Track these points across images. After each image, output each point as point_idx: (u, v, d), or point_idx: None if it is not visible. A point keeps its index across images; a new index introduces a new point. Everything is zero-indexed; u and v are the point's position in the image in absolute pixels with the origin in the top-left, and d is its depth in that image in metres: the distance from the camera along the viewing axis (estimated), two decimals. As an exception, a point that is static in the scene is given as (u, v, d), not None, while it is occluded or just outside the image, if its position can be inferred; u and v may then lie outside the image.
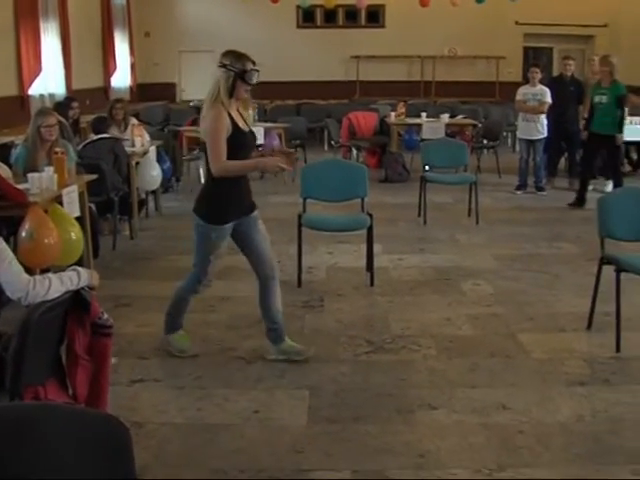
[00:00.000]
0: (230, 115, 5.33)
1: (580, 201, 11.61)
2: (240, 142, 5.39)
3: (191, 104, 20.02)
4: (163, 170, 10.54)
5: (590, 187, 12.19)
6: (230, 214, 5.57)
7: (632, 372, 5.66)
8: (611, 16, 22.78)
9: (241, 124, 5.44)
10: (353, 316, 6.70)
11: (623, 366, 5.74)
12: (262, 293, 5.84)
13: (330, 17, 22.52)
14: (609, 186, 12.44)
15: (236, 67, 5.31)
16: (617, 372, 5.63)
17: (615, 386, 5.39)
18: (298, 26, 22.63)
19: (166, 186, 11.77)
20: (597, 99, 11.51)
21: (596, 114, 11.53)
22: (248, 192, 5.77)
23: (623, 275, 5.95)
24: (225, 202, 5.54)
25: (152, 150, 10.28)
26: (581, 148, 13.19)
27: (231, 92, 5.32)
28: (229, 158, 5.30)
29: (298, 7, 21.48)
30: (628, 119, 13.86)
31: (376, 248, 7.96)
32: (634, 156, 15.44)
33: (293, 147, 14.24)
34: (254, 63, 5.42)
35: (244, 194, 5.71)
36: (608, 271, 6.04)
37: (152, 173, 10.14)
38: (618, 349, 5.96)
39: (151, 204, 10.97)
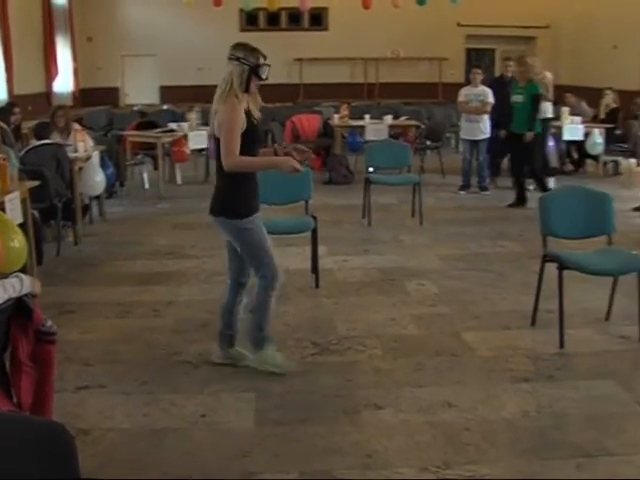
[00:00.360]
0: (245, 109, 5.25)
1: (520, 201, 11.73)
2: (253, 137, 5.30)
3: (135, 108, 19.95)
4: (107, 175, 10.45)
5: (531, 187, 12.33)
6: (253, 205, 5.48)
7: (575, 368, 5.74)
8: (552, 18, 23.08)
9: (253, 119, 5.36)
10: (299, 318, 6.71)
11: (566, 362, 5.82)
12: (231, 296, 5.76)
13: (273, 20, 22.56)
14: (550, 183, 12.61)
15: (250, 61, 5.29)
16: (561, 368, 5.70)
17: (559, 382, 5.47)
18: (241, 29, 22.63)
19: (110, 191, 11.68)
20: (514, 99, 11.66)
21: (514, 114, 11.68)
22: (257, 187, 5.61)
23: (565, 272, 6.02)
24: (246, 194, 5.45)
25: (95, 155, 10.20)
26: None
27: (246, 86, 5.28)
28: (242, 153, 5.20)
29: (241, 10, 21.48)
30: (569, 119, 14.07)
31: (321, 250, 7.98)
32: (575, 155, 15.63)
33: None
34: (265, 57, 5.38)
35: (257, 189, 5.58)
36: (551, 269, 6.11)
37: (96, 178, 10.06)
38: (562, 345, 6.04)
39: (95, 210, 10.88)
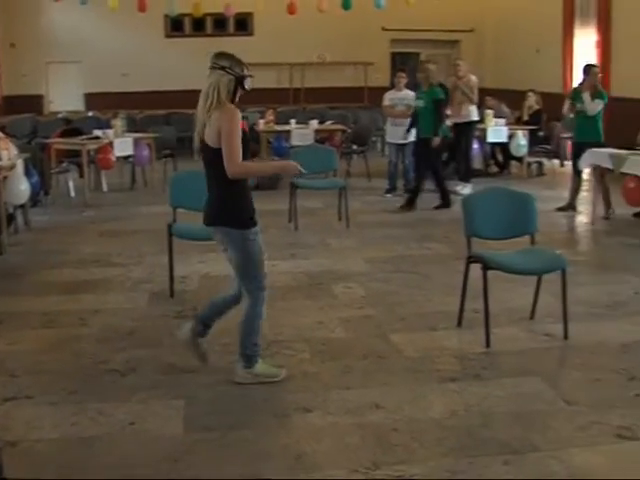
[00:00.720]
0: None
1: (445, 202, 11.84)
2: (245, 144, 5.25)
3: (59, 115, 19.74)
4: (31, 184, 10.34)
5: (459, 187, 12.46)
6: (253, 215, 5.46)
7: (501, 366, 5.83)
8: (476, 22, 23.35)
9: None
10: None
11: (493, 361, 5.90)
12: (228, 300, 5.77)
13: (198, 26, 22.47)
14: (466, 189, 12.75)
15: (235, 71, 5.23)
16: (487, 367, 5.78)
17: (486, 380, 5.54)
18: (167, 35, 22.51)
19: (34, 200, 11.55)
20: (417, 103, 11.88)
21: (418, 119, 11.81)
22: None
23: (490, 273, 6.11)
24: (249, 203, 5.46)
25: (19, 164, 10.08)
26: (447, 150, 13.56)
27: (233, 96, 5.24)
28: (222, 163, 5.18)
29: (166, 16, 21.34)
30: (493, 121, 14.24)
31: (248, 255, 7.96)
32: (500, 157, 15.84)
33: (163, 157, 14.19)
34: (248, 68, 5.33)
35: (251, 197, 5.52)
36: (476, 269, 6.19)
37: (20, 187, 9.95)
38: (488, 344, 6.12)
39: (20, 219, 10.74)
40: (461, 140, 13.60)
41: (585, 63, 11.92)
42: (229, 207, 5.38)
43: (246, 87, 5.29)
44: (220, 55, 5.35)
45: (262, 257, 5.52)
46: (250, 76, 5.31)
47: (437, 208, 11.82)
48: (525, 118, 15.72)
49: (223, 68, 5.23)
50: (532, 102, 15.78)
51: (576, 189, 11.54)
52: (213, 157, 5.24)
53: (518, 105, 16.20)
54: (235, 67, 5.24)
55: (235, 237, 5.39)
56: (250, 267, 5.47)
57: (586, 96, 11.04)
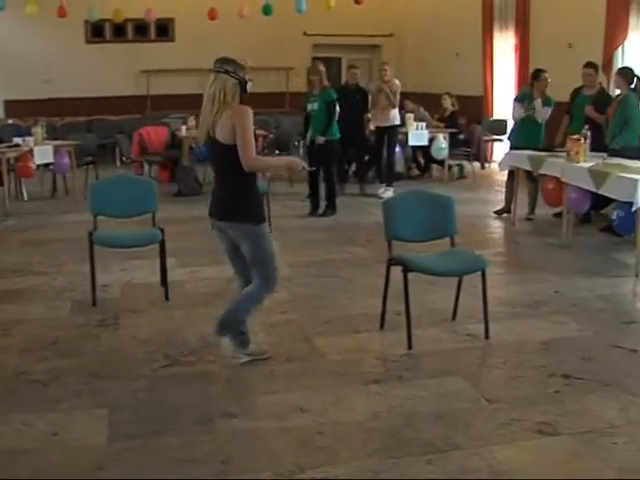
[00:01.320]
0: None
1: (332, 208, 11.97)
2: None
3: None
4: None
5: (380, 191, 12.55)
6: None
7: (423, 367, 5.91)
8: (397, 26, 23.50)
9: None
10: (149, 331, 6.67)
11: (415, 362, 5.97)
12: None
13: (119, 31, 22.23)
14: (388, 192, 12.86)
15: (239, 75, 5.46)
16: (410, 368, 5.85)
17: (408, 381, 5.60)
18: (87, 41, 22.22)
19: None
20: (309, 107, 11.85)
21: (312, 122, 11.88)
22: None
23: (413, 275, 6.18)
24: (260, 199, 5.85)
25: None
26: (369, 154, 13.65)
27: (241, 98, 5.48)
28: (237, 159, 5.40)
29: (86, 22, 21.11)
30: (414, 124, 14.39)
31: (170, 262, 7.96)
32: (421, 160, 15.99)
33: (84, 164, 14.06)
34: (247, 73, 5.52)
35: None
36: (398, 272, 6.25)
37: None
38: (410, 346, 6.18)
39: None
40: (383, 144, 13.69)
41: (535, 68, 11.98)
42: (245, 203, 5.64)
43: (247, 91, 5.51)
44: (223, 60, 5.56)
45: (273, 250, 5.79)
46: (250, 81, 5.54)
47: (323, 215, 11.95)
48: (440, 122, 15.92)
49: (227, 72, 5.45)
50: (447, 104, 15.97)
51: (531, 195, 11.57)
52: (225, 153, 5.48)
53: (437, 108, 16.37)
54: (239, 71, 5.48)
55: (252, 232, 5.64)
56: (266, 260, 5.71)
57: (537, 103, 11.15)
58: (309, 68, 12.19)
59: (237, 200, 5.63)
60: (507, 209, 11.69)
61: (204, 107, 5.57)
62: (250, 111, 5.40)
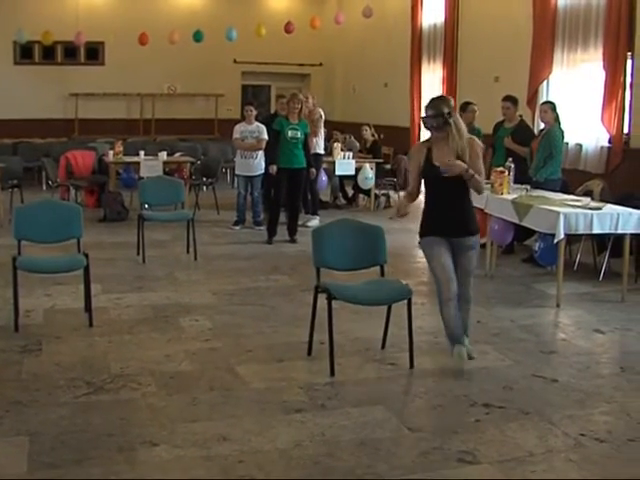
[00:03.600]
0: None
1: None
2: None
3: None
4: None
5: (307, 220, 12.61)
6: None
7: (346, 396, 5.90)
8: (326, 56, 23.75)
9: None
10: (72, 358, 6.60)
11: (338, 391, 5.98)
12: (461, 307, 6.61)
13: (49, 54, 22.07)
14: (314, 221, 12.95)
15: None
16: (332, 397, 5.86)
17: (331, 410, 5.61)
18: (15, 62, 22.02)
19: None
20: (291, 134, 11.89)
21: (287, 148, 11.89)
22: None
23: (338, 304, 6.24)
24: None
25: None
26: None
27: None
28: None
29: (15, 43, 20.93)
30: (341, 154, 14.50)
31: (95, 288, 7.89)
32: (350, 190, 16.08)
33: (9, 187, 13.88)
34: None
35: None
36: (323, 300, 6.29)
37: None
38: (332, 374, 6.22)
39: None
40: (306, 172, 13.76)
41: (464, 101, 12.19)
42: (474, 218, 6.61)
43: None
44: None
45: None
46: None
47: (294, 241, 12.02)
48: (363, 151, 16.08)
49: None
50: (368, 135, 16.14)
51: None
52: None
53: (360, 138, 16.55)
54: None
55: (477, 243, 6.57)
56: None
57: None
58: (290, 96, 12.23)
59: (472, 216, 6.65)
60: None
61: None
62: None
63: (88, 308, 7.60)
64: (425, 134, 17.64)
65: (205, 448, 4.96)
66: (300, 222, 12.52)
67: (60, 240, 7.83)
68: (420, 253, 11.29)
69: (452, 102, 6.41)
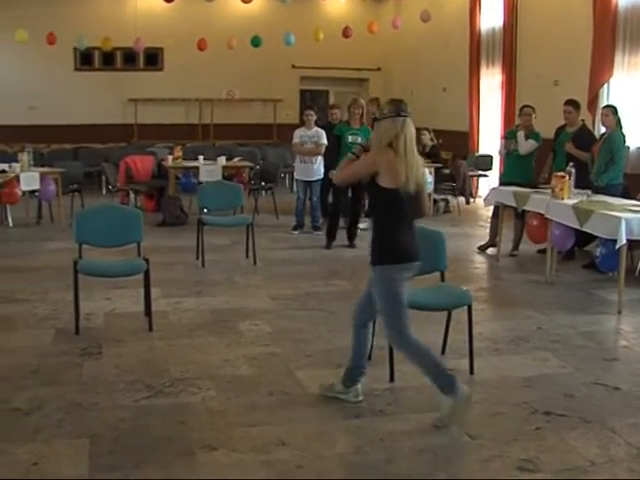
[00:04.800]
0: None
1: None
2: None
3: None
4: None
5: (362, 225, 12.59)
6: None
7: (406, 402, 5.88)
8: (384, 60, 23.69)
9: None
10: (132, 361, 6.64)
11: (397, 396, 5.96)
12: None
13: (108, 60, 22.30)
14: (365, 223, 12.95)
15: None
16: (392, 403, 5.83)
17: (390, 416, 5.59)
18: (75, 69, 22.27)
19: None
20: (351, 139, 11.88)
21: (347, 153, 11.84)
22: None
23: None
24: None
25: None
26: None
27: None
28: None
29: (75, 49, 21.18)
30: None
31: (154, 292, 7.93)
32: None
33: (70, 192, 14.05)
34: None
35: None
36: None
37: None
38: (392, 380, 6.19)
39: None
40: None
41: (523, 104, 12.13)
42: (375, 245, 5.61)
43: None
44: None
45: None
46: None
47: (352, 245, 12.02)
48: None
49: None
50: (427, 140, 16.04)
51: (516, 231, 11.62)
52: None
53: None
54: None
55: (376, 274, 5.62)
56: None
57: (520, 135, 11.26)
58: (351, 101, 12.25)
59: None
60: (491, 244, 11.73)
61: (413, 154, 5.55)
62: None
63: (148, 312, 7.67)
64: (484, 138, 17.66)
65: (264, 453, 4.97)
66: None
67: (120, 244, 7.91)
68: (479, 258, 11.27)
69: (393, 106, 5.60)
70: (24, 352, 6.85)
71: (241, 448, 5.03)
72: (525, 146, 11.24)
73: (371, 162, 5.57)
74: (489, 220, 12.12)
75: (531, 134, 11.26)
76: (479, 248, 11.82)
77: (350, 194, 12.07)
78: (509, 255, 11.39)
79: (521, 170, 11.34)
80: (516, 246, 11.54)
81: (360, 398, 5.84)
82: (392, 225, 5.50)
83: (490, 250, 11.69)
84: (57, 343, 7.14)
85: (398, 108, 5.49)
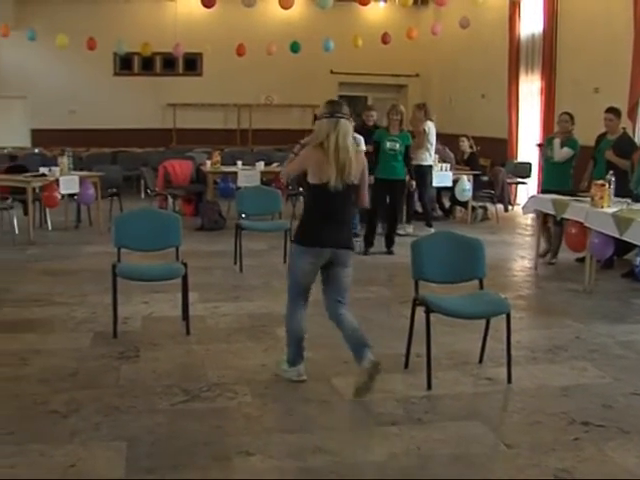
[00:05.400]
0: None
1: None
2: None
3: (4, 151, 19.55)
4: (-26, 221, 10.26)
5: (401, 231, 12.56)
6: None
7: (443, 410, 5.85)
8: (422, 66, 23.67)
9: None
10: (169, 365, 6.67)
11: (434, 404, 5.93)
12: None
13: (147, 65, 22.49)
14: (407, 229, 12.94)
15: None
16: (429, 410, 5.81)
17: (427, 424, 5.56)
18: (115, 73, 22.48)
19: (-23, 237, 11.41)
20: (389, 145, 11.83)
21: (386, 160, 11.85)
22: None
23: (435, 317, 6.18)
24: None
25: (-37, 199, 10.02)
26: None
27: None
28: None
29: (115, 54, 21.37)
30: (439, 165, 14.41)
31: (192, 297, 7.94)
32: (447, 202, 15.97)
33: (109, 196, 14.14)
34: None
35: None
36: (418, 312, 6.25)
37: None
38: (429, 387, 6.16)
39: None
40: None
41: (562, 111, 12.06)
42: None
43: None
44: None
45: None
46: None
47: (391, 252, 11.96)
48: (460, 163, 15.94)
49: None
50: (465, 147, 16.00)
51: (556, 237, 11.54)
52: (353, 190, 6.13)
53: (457, 151, 16.38)
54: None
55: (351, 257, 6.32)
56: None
57: (556, 142, 11.20)
58: (390, 107, 12.21)
59: (351, 231, 6.50)
60: (548, 250, 11.62)
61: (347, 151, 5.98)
62: None
63: (185, 316, 7.68)
64: (523, 145, 17.58)
65: (300, 459, 4.96)
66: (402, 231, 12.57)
67: (159, 248, 7.95)
68: (517, 266, 11.21)
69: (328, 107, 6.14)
70: (62, 355, 6.90)
71: (277, 454, 5.03)
72: (560, 153, 11.17)
73: (302, 159, 6.16)
74: (527, 228, 12.04)
75: (567, 141, 11.19)
76: (540, 256, 11.61)
77: (388, 200, 12.04)
78: (548, 263, 11.31)
79: (558, 178, 11.27)
80: (554, 254, 11.46)
81: (303, 377, 6.37)
82: (311, 214, 6.19)
83: (547, 258, 11.57)
84: (95, 346, 7.18)
85: (333, 109, 6.02)
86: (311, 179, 5.99)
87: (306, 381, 6.31)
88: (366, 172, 6.23)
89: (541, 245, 11.40)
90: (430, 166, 14.06)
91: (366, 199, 6.39)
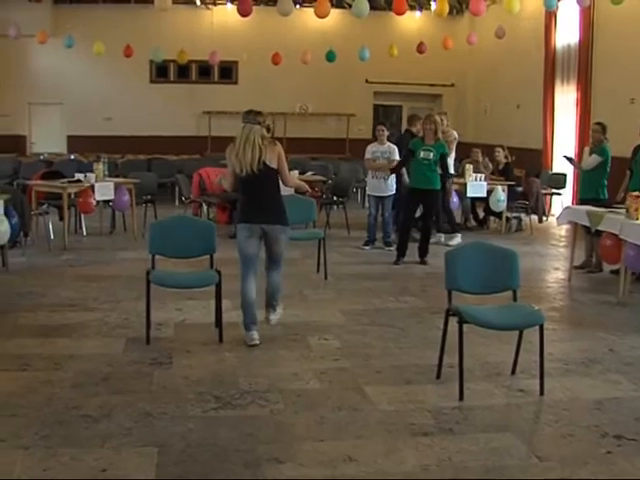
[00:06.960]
0: None
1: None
2: None
3: (41, 157, 19.71)
4: (11, 225, 10.31)
5: (433, 239, 12.53)
6: None
7: (475, 421, 5.81)
8: (457, 76, 23.64)
9: None
10: (201, 372, 6.68)
11: (467, 415, 5.89)
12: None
13: (183, 72, 22.64)
14: (456, 239, 12.88)
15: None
16: (461, 421, 5.77)
17: (459, 435, 5.53)
18: (151, 81, 22.65)
19: (13, 241, 11.47)
20: (423, 154, 11.76)
21: (419, 169, 11.79)
22: None
23: (468, 328, 6.15)
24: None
25: (0, 204, 10.07)
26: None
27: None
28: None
29: (151, 62, 21.50)
30: (472, 175, 14.37)
31: (225, 304, 7.95)
32: (481, 212, 15.91)
33: (143, 202, 14.21)
34: None
35: None
36: (453, 323, 6.23)
37: (0, 228, 9.94)
38: (461, 399, 6.13)
39: (-3, 260, 10.71)
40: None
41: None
42: (284, 210, 7.67)
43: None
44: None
45: None
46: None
47: (424, 262, 11.92)
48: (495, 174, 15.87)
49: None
50: (501, 157, 15.93)
51: (590, 248, 11.49)
52: (273, 174, 7.56)
53: (492, 161, 16.32)
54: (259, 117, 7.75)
55: (285, 232, 7.69)
56: (283, 253, 7.84)
57: (586, 151, 11.18)
58: (425, 117, 12.18)
59: (281, 208, 7.68)
60: (590, 263, 11.55)
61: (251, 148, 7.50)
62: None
63: (218, 323, 7.70)
64: (558, 155, 17.47)
65: (331, 468, 4.95)
66: (435, 240, 12.52)
67: (194, 256, 7.98)
68: (551, 277, 11.16)
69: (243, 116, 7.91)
70: (96, 360, 6.93)
71: (308, 462, 5.03)
72: (587, 161, 11.13)
73: (227, 160, 7.67)
74: (561, 239, 11.97)
75: (596, 149, 11.14)
76: (576, 267, 11.53)
77: (421, 210, 12.01)
78: (583, 273, 11.25)
79: (588, 186, 11.26)
80: (589, 264, 11.40)
81: (255, 342, 7.50)
82: (241, 198, 7.70)
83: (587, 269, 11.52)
84: (128, 352, 7.21)
85: (244, 117, 7.78)
86: (236, 171, 7.48)
87: (261, 344, 7.44)
88: (282, 158, 7.64)
89: (580, 256, 11.36)
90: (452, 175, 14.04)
91: (288, 180, 7.82)
